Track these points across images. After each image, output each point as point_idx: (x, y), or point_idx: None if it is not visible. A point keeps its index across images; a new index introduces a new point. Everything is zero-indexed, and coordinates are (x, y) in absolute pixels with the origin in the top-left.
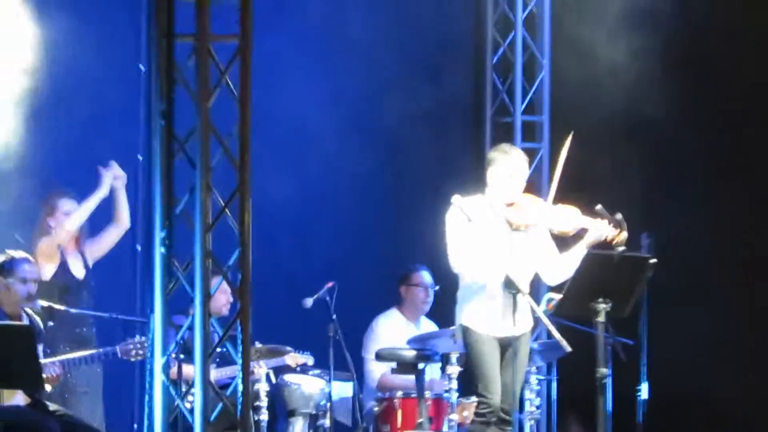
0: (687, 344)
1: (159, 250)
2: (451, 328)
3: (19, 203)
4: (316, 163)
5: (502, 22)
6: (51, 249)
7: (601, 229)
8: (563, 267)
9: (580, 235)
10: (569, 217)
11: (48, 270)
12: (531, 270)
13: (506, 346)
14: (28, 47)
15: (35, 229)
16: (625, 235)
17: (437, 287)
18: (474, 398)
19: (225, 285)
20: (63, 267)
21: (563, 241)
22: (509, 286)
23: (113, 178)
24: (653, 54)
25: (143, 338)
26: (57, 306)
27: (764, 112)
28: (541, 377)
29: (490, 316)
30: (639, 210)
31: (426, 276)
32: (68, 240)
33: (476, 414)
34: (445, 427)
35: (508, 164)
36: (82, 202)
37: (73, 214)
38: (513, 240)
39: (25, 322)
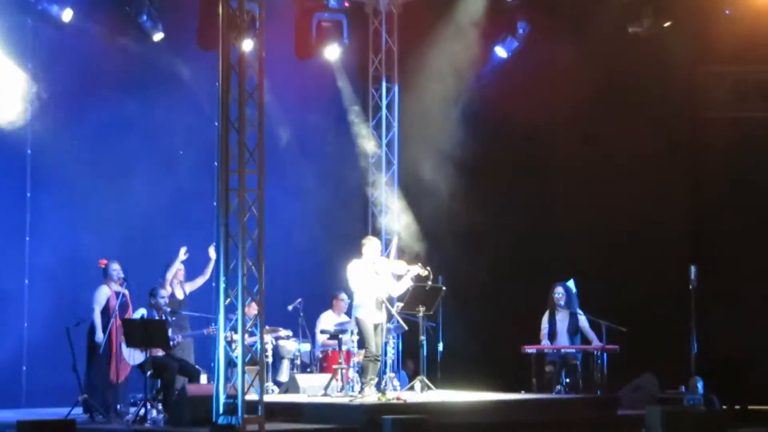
0: (458, 324)
1: (222, 286)
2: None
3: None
4: (291, 245)
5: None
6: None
7: (414, 272)
8: (399, 288)
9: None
10: (401, 267)
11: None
12: (385, 291)
13: (376, 326)
14: None
15: (162, 276)
16: (431, 276)
17: (350, 301)
18: (363, 350)
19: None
20: (172, 294)
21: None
22: (378, 302)
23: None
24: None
25: (215, 325)
26: (176, 310)
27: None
28: (394, 340)
29: (371, 314)
30: (440, 265)
31: (345, 296)
32: (174, 279)
33: (365, 357)
34: (351, 363)
35: (372, 246)
36: (172, 266)
37: (170, 270)
38: (377, 279)
39: (163, 317)
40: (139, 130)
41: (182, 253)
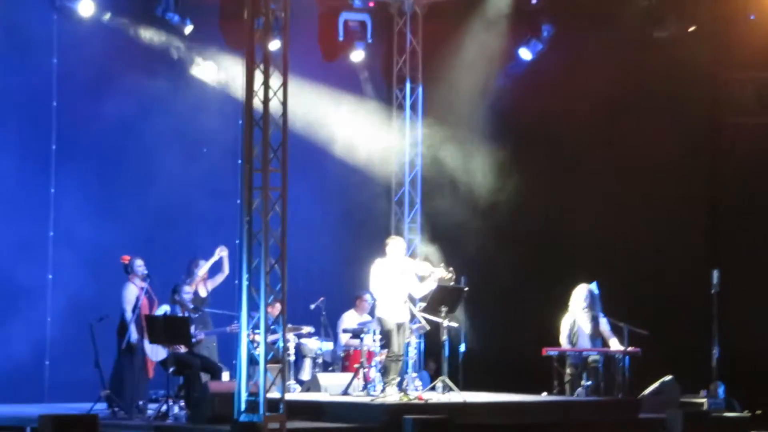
0: (480, 325)
1: (245, 284)
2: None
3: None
4: (314, 244)
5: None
6: (194, 282)
7: (438, 273)
8: (422, 289)
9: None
10: (425, 267)
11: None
12: (408, 292)
13: (399, 326)
14: None
15: (185, 273)
16: (454, 278)
17: (374, 301)
18: (385, 350)
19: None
20: (195, 291)
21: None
22: (401, 301)
23: (223, 253)
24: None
25: (237, 323)
26: (199, 307)
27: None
28: (416, 340)
29: (393, 313)
30: (463, 266)
31: (368, 296)
32: (200, 278)
33: (387, 356)
34: (373, 363)
35: (396, 246)
36: (207, 262)
37: (202, 268)
38: (401, 278)
39: (186, 314)
40: (163, 127)
41: (219, 252)
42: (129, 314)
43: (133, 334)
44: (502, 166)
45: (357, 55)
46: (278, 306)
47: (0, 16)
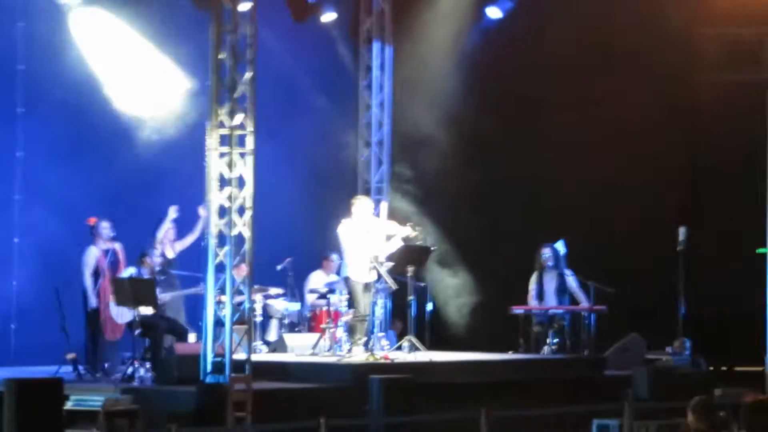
0: (447, 284)
1: (211, 245)
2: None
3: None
4: (281, 205)
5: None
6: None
7: (404, 232)
8: (388, 248)
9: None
10: (392, 226)
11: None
12: (374, 251)
13: (366, 286)
14: None
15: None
16: (420, 237)
17: (339, 262)
18: (352, 310)
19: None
20: (162, 253)
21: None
22: (367, 261)
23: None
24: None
25: (203, 284)
26: (165, 269)
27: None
28: (382, 300)
29: (360, 273)
30: (430, 225)
31: (335, 257)
32: (165, 238)
33: (353, 317)
34: (340, 323)
35: (362, 205)
36: (162, 225)
37: (160, 230)
38: (367, 239)
39: (151, 276)
40: (131, 87)
41: (172, 212)
42: (87, 279)
43: (91, 300)
44: (471, 125)
45: (328, 16)
46: (243, 265)
47: None
